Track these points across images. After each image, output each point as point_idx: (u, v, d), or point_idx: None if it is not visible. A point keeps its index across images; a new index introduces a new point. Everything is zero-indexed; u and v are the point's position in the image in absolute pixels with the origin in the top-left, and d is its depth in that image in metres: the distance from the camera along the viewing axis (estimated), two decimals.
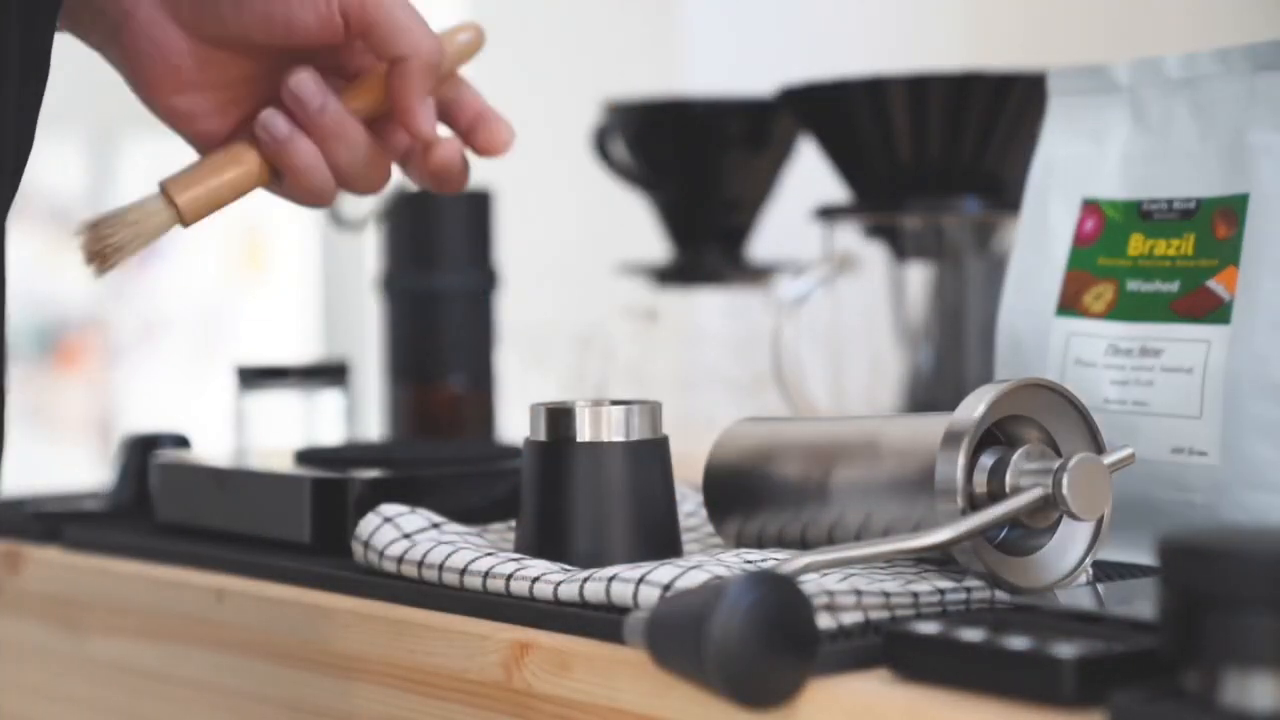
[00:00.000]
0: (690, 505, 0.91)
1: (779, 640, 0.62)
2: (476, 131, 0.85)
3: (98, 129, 3.30)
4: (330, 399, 1.19)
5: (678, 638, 0.63)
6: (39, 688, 1.03)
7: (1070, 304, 0.88)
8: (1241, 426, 0.80)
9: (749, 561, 0.75)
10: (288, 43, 0.81)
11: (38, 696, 1.03)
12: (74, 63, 0.86)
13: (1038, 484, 0.71)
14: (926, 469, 0.72)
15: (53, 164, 3.26)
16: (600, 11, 2.26)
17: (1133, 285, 0.86)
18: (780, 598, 0.62)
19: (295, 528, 0.90)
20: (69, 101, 1.35)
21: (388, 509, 0.83)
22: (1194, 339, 0.82)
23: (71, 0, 0.81)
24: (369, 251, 1.49)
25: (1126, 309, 0.86)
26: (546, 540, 0.79)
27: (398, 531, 0.82)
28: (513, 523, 0.82)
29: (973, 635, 0.62)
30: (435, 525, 0.83)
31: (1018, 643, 0.61)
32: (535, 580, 0.75)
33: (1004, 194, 1.24)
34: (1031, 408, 0.74)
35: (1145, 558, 0.82)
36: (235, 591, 0.89)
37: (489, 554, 0.78)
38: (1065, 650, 0.59)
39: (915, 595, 0.70)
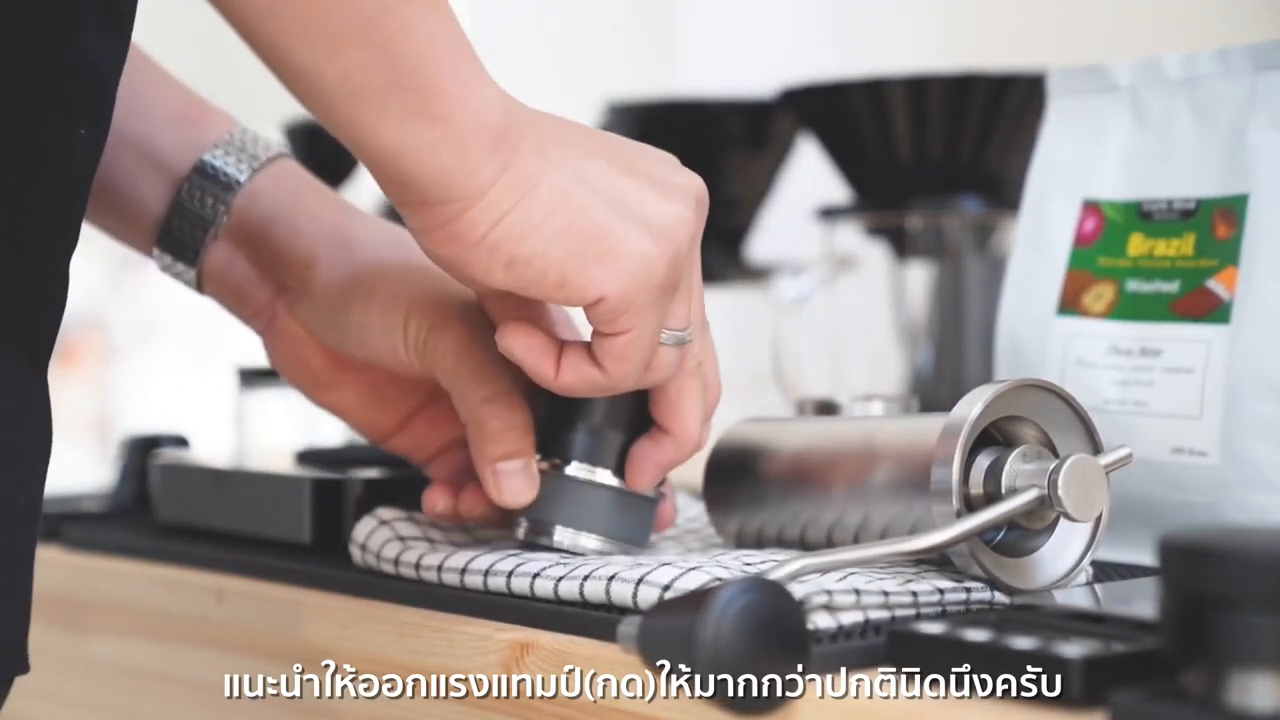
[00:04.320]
0: (689, 505, 0.91)
1: (769, 646, 0.62)
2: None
3: None
4: None
5: (669, 644, 0.63)
6: (39, 688, 1.03)
7: (1070, 304, 0.88)
8: (1241, 426, 0.80)
9: (748, 564, 0.74)
10: (395, 370, 0.82)
11: (38, 696, 1.03)
12: None
13: (1033, 485, 0.71)
14: (923, 470, 0.72)
15: None
16: (600, 11, 2.26)
17: (1133, 285, 0.86)
18: (770, 603, 0.62)
19: (295, 528, 0.90)
20: None
21: (384, 513, 0.84)
22: (1194, 339, 0.82)
23: (232, 296, 0.85)
24: None
25: (1126, 309, 0.86)
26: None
27: (392, 533, 0.82)
28: (510, 528, 0.82)
29: (977, 635, 0.62)
30: (430, 540, 0.83)
31: (1023, 643, 0.61)
32: (535, 576, 0.75)
33: (1004, 194, 1.24)
34: (1029, 408, 0.74)
35: (1145, 558, 0.82)
36: (235, 591, 0.89)
37: (488, 551, 0.79)
38: (1071, 650, 0.59)
39: (914, 595, 0.70)
